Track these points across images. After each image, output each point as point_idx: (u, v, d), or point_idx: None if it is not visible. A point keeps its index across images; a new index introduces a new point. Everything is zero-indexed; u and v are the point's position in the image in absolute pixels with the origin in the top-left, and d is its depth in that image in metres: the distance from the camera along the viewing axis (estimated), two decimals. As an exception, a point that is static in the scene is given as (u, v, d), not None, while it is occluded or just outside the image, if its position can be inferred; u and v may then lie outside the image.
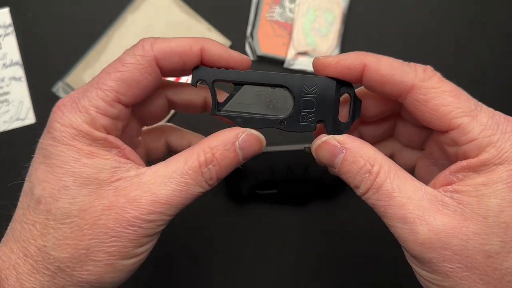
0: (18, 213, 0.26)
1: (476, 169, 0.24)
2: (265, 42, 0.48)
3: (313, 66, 0.28)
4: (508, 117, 0.25)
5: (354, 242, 0.45)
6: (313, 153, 0.28)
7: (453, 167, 0.25)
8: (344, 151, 0.26)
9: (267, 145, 0.43)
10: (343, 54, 0.27)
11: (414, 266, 0.25)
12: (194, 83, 0.28)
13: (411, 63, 0.26)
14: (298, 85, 0.27)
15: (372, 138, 0.32)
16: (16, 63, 0.48)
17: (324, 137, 0.27)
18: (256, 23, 0.49)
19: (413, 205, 0.24)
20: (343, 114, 0.29)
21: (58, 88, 0.47)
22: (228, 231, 0.45)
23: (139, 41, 0.27)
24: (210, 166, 0.26)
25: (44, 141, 0.26)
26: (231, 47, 0.48)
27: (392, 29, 0.49)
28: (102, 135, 0.25)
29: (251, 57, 0.48)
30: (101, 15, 0.48)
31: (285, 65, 0.48)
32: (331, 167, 0.27)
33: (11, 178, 0.49)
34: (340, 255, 0.45)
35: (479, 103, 0.25)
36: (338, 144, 0.26)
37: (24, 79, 0.47)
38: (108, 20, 0.48)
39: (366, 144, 0.26)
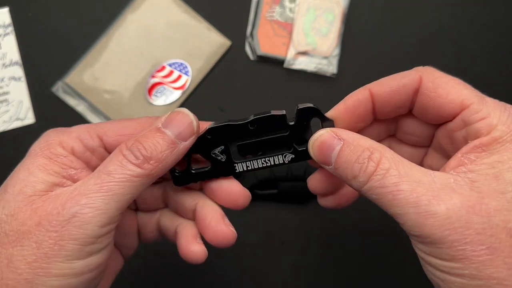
0: None
1: (488, 147, 0.23)
2: (265, 42, 0.48)
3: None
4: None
5: (354, 241, 0.45)
6: (311, 151, 0.27)
7: (465, 148, 0.24)
8: (341, 141, 0.25)
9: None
10: (350, 95, 0.27)
11: (427, 258, 0.23)
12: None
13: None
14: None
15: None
16: (16, 63, 0.48)
17: (320, 131, 0.26)
18: (256, 23, 0.49)
19: (425, 187, 0.22)
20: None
21: (58, 88, 0.47)
22: (228, 231, 0.45)
23: None
24: (132, 147, 0.24)
25: None
26: (231, 47, 0.48)
27: (392, 29, 0.49)
28: (64, 152, 0.25)
29: (251, 57, 0.48)
30: (101, 15, 0.48)
31: (285, 65, 0.48)
32: (326, 164, 0.26)
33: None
34: (340, 255, 0.45)
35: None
36: (335, 136, 0.25)
37: (23, 79, 0.47)
38: (108, 20, 0.48)
39: (363, 136, 0.25)
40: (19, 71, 0.48)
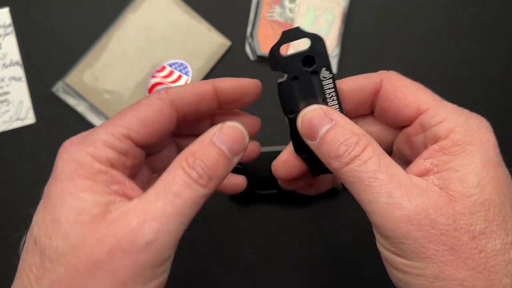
0: (20, 260, 0.24)
1: (449, 151, 0.24)
2: (265, 42, 0.48)
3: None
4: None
5: (354, 241, 0.45)
6: (299, 123, 0.27)
7: (426, 153, 0.25)
8: (332, 122, 0.25)
9: (268, 145, 0.43)
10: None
11: (390, 257, 0.24)
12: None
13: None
14: None
15: None
16: (16, 63, 0.48)
17: (314, 106, 0.27)
18: (256, 23, 0.49)
19: (400, 182, 0.23)
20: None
21: (58, 88, 0.47)
22: (228, 231, 0.45)
23: (154, 91, 0.28)
24: (195, 165, 0.24)
25: (47, 185, 0.24)
26: (231, 47, 0.48)
27: (392, 29, 0.49)
28: (104, 168, 0.24)
29: (251, 57, 0.48)
30: (101, 15, 0.49)
31: (285, 65, 0.48)
32: (310, 139, 0.26)
33: (11, 178, 0.49)
34: (340, 255, 0.45)
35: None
36: (328, 115, 0.26)
37: (24, 79, 0.47)
38: (108, 20, 0.48)
39: (354, 123, 0.26)
40: (19, 71, 0.48)
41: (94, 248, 0.22)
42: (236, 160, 0.26)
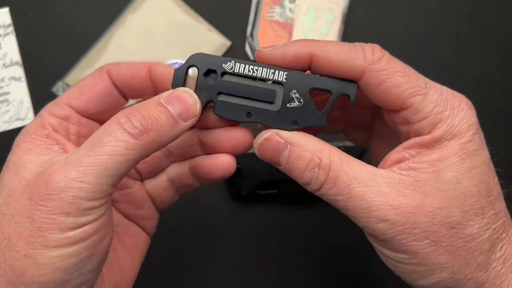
0: None
1: (429, 146, 0.24)
2: (265, 42, 0.48)
3: (257, 59, 0.26)
4: (455, 92, 0.25)
5: (354, 241, 0.45)
6: (256, 152, 0.26)
7: (406, 143, 0.25)
8: (288, 146, 0.25)
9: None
10: (288, 43, 0.26)
11: (380, 248, 0.25)
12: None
13: (357, 45, 0.26)
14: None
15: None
16: (16, 63, 0.48)
17: (266, 134, 0.25)
18: (256, 23, 0.49)
19: (374, 192, 0.23)
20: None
21: (58, 88, 0.47)
22: (228, 231, 0.45)
23: None
24: (131, 117, 0.23)
25: None
26: (231, 47, 0.49)
27: (392, 29, 0.49)
28: (45, 131, 0.26)
29: (251, 57, 0.48)
30: (101, 15, 0.49)
31: (285, 65, 0.48)
32: (276, 165, 0.26)
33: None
34: (341, 254, 0.45)
35: (428, 80, 0.25)
36: (282, 140, 0.25)
37: (24, 79, 0.47)
38: (108, 20, 0.48)
39: (310, 137, 0.25)
40: (19, 71, 0.48)
41: (20, 195, 0.23)
42: (185, 125, 0.25)
